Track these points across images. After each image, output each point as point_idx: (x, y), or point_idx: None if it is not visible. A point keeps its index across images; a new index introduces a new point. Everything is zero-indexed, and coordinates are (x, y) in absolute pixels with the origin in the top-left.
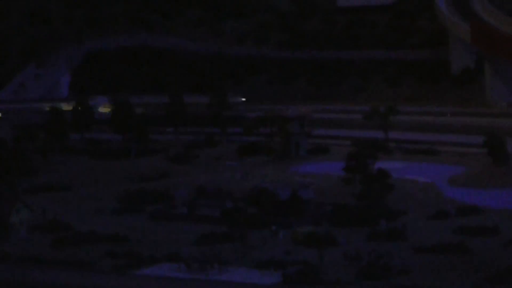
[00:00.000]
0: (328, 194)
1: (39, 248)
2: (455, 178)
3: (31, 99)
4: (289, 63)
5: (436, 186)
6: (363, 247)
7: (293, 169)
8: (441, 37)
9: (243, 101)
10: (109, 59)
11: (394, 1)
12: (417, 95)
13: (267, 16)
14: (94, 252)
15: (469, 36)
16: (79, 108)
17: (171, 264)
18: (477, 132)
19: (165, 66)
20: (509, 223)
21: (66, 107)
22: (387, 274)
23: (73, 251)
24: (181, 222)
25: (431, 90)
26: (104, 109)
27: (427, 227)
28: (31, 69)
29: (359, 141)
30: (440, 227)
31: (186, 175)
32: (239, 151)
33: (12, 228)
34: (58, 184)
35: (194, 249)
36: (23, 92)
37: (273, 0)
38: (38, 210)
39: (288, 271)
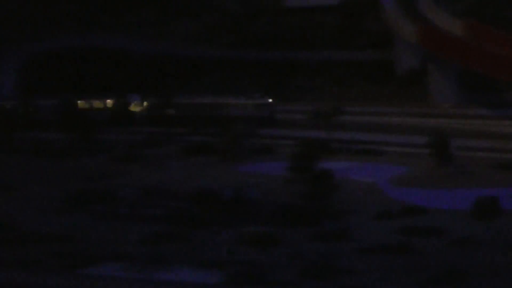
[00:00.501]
0: (273, 194)
1: None
2: (399, 178)
3: None
4: (237, 63)
5: (380, 186)
6: (307, 247)
7: (238, 169)
8: (387, 38)
9: (270, 102)
10: (58, 59)
11: (340, 2)
12: (363, 96)
13: (215, 16)
14: (39, 252)
15: (414, 37)
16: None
17: (116, 263)
18: (422, 132)
19: (114, 67)
20: (452, 224)
21: (98, 104)
22: (331, 274)
23: (17, 251)
24: (125, 222)
25: (377, 91)
26: (135, 107)
27: (371, 227)
28: None
29: (304, 141)
30: (384, 227)
31: (131, 174)
32: (185, 151)
33: None
34: (1, 183)
35: (138, 248)
36: None
37: (221, 0)
38: None
39: (231, 271)
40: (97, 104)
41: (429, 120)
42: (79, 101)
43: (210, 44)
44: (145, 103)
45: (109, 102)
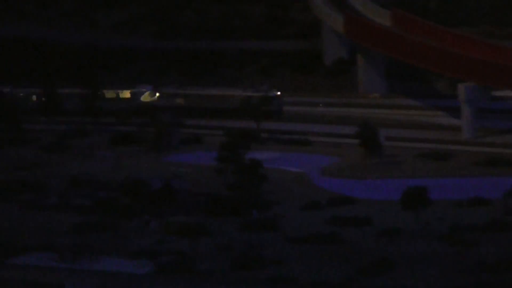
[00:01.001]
0: (201, 184)
1: None
2: (328, 169)
3: None
4: (163, 53)
5: (309, 176)
6: (236, 238)
7: (166, 159)
8: (315, 28)
9: (279, 94)
10: None
11: None
12: (291, 86)
13: (141, 6)
14: None
15: (342, 27)
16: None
17: (44, 253)
18: (351, 122)
19: (40, 57)
20: (381, 214)
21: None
22: (260, 264)
23: None
24: (53, 212)
25: (305, 81)
26: (147, 98)
27: (300, 217)
28: None
29: (232, 131)
30: (313, 217)
31: (58, 164)
32: (113, 141)
33: None
34: None
35: (66, 238)
36: None
37: None
38: None
39: (160, 261)
40: (26, 94)
41: (357, 110)
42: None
43: (136, 34)
44: (157, 94)
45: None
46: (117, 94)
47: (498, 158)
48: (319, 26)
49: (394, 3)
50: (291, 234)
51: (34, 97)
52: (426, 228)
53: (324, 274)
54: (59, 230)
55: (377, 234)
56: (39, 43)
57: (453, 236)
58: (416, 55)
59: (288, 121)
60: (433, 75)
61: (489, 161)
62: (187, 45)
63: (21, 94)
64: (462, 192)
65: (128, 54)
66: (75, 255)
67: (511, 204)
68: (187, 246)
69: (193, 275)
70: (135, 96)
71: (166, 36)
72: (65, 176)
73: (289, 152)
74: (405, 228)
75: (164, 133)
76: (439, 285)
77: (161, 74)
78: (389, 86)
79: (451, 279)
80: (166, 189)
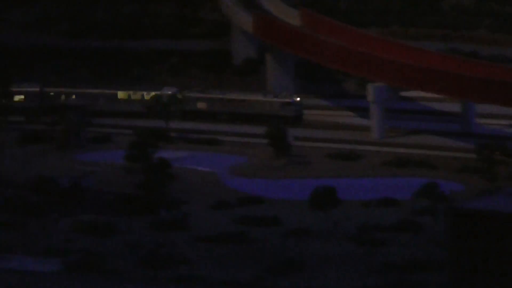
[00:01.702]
0: (111, 183)
1: None
2: (238, 168)
3: None
4: (73, 52)
5: (218, 176)
6: (144, 237)
7: (76, 157)
8: (225, 27)
9: (298, 100)
10: None
11: None
12: (200, 85)
13: (53, 5)
14: None
15: (251, 26)
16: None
17: None
18: (259, 123)
19: None
20: (290, 214)
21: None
22: (169, 263)
23: None
24: None
25: (214, 81)
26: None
27: (209, 216)
28: None
29: (141, 130)
30: (222, 217)
31: None
32: (21, 139)
33: None
34: None
35: None
36: None
37: None
38: None
39: (69, 259)
40: None
41: (266, 109)
42: None
43: (48, 33)
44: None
45: None
46: (129, 96)
47: (407, 158)
48: (228, 26)
49: (304, 3)
50: (200, 233)
51: None
52: (335, 228)
53: (232, 273)
54: None
55: (285, 234)
56: None
57: (362, 236)
58: (324, 55)
59: (197, 121)
60: (342, 75)
61: (398, 162)
62: (98, 44)
63: None
64: (371, 192)
65: (39, 53)
66: None
67: (419, 205)
68: (96, 244)
69: (101, 273)
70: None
71: (78, 34)
72: None
73: (199, 151)
74: (314, 228)
75: (72, 132)
76: (347, 285)
77: (71, 72)
78: (298, 86)
79: (359, 279)
80: (75, 187)
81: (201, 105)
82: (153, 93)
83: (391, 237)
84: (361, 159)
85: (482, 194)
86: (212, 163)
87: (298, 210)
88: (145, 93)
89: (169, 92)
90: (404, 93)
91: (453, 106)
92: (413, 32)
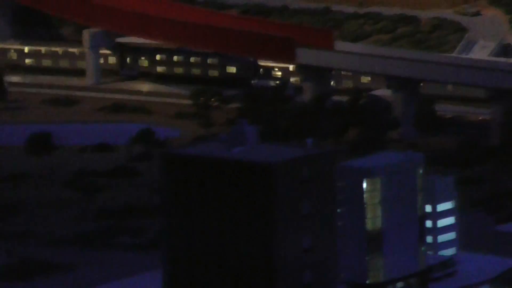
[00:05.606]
0: None
1: None
2: None
3: None
4: None
5: None
6: None
7: None
8: None
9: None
10: None
11: None
12: None
13: None
14: None
15: None
16: None
17: None
18: None
19: None
20: (5, 159)
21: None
22: None
23: None
24: None
25: None
26: None
27: None
28: None
29: None
30: None
31: None
32: None
33: None
34: None
35: None
36: None
37: None
38: None
39: None
40: None
41: None
42: None
43: None
44: None
45: None
46: None
47: (122, 104)
48: None
49: None
50: None
51: None
52: (52, 173)
53: None
54: None
55: (2, 179)
56: None
57: (78, 181)
58: (41, 1)
59: None
60: (59, 20)
61: (114, 107)
62: None
63: None
64: (87, 138)
65: None
66: None
67: (136, 150)
68: None
69: None
70: None
71: None
72: None
73: None
74: (30, 174)
75: None
76: (65, 230)
77: None
78: (15, 30)
79: (76, 225)
80: None
81: None
82: None
83: (108, 183)
84: (77, 104)
85: (197, 140)
86: None
87: (14, 156)
88: None
89: None
90: (121, 39)
91: None
92: None
